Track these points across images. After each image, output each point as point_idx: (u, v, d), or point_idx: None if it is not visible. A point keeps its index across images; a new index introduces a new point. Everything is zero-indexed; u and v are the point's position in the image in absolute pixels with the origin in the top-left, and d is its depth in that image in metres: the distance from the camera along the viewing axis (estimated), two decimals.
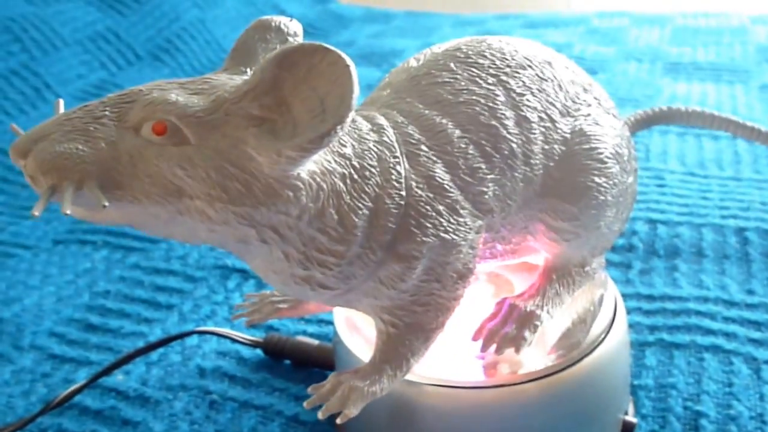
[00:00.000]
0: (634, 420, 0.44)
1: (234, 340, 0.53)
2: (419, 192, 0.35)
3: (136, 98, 0.31)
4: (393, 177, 0.34)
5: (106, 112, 0.31)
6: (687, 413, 0.46)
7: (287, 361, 0.52)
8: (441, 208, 0.35)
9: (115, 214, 0.31)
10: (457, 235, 0.36)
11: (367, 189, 0.34)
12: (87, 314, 0.59)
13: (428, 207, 0.35)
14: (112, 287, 0.62)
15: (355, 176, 0.34)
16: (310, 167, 0.32)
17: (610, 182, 0.40)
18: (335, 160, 0.33)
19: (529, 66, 0.39)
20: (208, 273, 0.63)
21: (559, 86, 0.39)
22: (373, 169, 0.34)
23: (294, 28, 0.36)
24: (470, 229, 0.36)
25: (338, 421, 0.35)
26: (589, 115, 0.40)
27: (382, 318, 0.37)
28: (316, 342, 0.51)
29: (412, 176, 0.35)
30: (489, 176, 0.37)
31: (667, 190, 0.72)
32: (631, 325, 0.52)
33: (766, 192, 0.71)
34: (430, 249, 0.35)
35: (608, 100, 0.42)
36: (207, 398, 0.49)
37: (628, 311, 0.52)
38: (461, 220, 0.36)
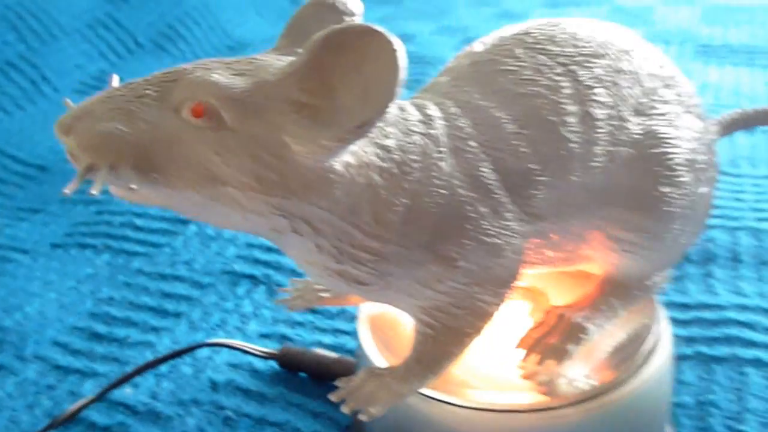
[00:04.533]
0: None
1: (247, 352, 0.54)
2: (461, 191, 0.35)
3: (178, 77, 0.31)
4: (434, 173, 0.34)
5: (149, 91, 0.31)
6: None
7: (303, 374, 0.53)
8: (484, 210, 0.35)
9: (152, 195, 0.32)
10: (499, 239, 0.35)
11: (404, 185, 0.34)
12: (91, 322, 0.60)
13: (470, 207, 0.35)
14: (116, 294, 0.63)
15: (395, 170, 0.33)
16: (345, 158, 0.32)
17: (680, 192, 0.38)
18: (375, 152, 0.33)
19: (605, 55, 0.38)
20: (216, 279, 0.64)
21: (636, 80, 0.38)
22: (414, 164, 0.34)
23: (352, 6, 0.36)
24: (515, 233, 0.36)
25: (361, 417, 0.36)
26: (664, 114, 0.38)
27: (420, 318, 0.37)
28: (334, 355, 0.52)
29: (456, 173, 0.35)
30: (541, 178, 0.36)
31: None
32: None
33: None
34: (470, 252, 0.35)
35: (693, 97, 0.40)
36: (221, 414, 0.50)
37: None
38: (505, 223, 0.36)
